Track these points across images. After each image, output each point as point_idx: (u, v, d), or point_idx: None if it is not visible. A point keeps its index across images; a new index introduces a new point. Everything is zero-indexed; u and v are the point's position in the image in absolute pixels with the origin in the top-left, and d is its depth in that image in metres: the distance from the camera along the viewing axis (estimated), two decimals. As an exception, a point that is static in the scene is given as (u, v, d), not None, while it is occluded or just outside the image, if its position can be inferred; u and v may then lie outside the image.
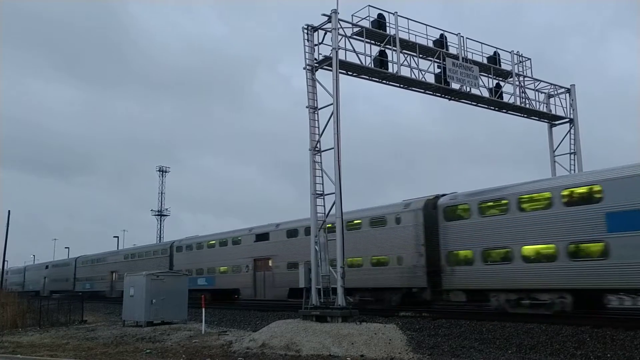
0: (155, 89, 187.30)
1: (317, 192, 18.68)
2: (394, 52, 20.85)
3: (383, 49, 20.64)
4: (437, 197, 22.98)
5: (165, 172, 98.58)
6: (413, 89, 22.29)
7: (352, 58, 19.82)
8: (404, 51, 21.26)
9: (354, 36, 20.05)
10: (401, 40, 20.95)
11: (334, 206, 18.21)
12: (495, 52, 24.02)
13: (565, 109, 26.28)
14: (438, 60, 21.95)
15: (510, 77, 24.50)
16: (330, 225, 18.88)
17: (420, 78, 21.63)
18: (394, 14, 20.82)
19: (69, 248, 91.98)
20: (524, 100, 24.95)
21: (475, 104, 24.04)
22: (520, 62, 25.04)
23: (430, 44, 21.90)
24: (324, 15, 19.09)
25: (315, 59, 19.30)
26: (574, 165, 25.59)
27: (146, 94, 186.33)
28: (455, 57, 22.30)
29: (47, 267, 71.42)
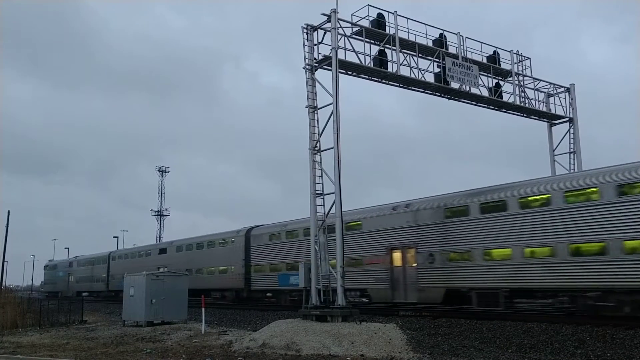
0: (122, 87, 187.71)
1: (317, 191, 18.68)
2: (393, 52, 20.85)
3: (383, 48, 20.64)
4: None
5: (165, 172, 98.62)
6: (413, 88, 22.29)
7: (351, 58, 19.85)
8: (403, 51, 21.26)
9: (354, 36, 20.06)
10: (401, 39, 20.95)
11: (334, 205, 18.22)
12: (494, 52, 24.04)
13: (564, 108, 26.31)
14: (438, 60, 21.95)
15: (510, 77, 24.51)
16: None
17: (419, 77, 21.64)
18: (393, 14, 20.84)
19: (68, 248, 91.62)
20: (523, 99, 24.97)
21: (475, 103, 24.05)
22: (520, 61, 25.06)
23: (430, 44, 21.92)
24: (323, 14, 19.11)
25: (315, 59, 19.31)
26: (574, 164, 25.60)
27: (113, 92, 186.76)
28: (455, 56, 22.30)
29: (163, 250, 44.51)
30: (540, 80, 25.68)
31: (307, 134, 18.93)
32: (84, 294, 52.06)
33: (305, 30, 19.37)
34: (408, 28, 21.20)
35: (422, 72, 21.72)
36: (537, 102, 25.66)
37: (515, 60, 24.71)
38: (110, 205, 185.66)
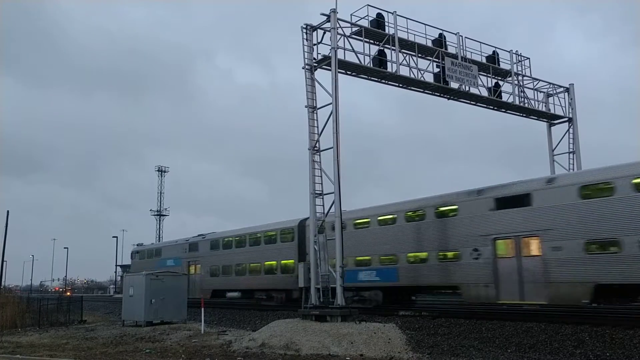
0: (92, 84, 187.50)
1: (317, 191, 18.67)
2: (393, 52, 20.84)
3: (382, 48, 20.64)
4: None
5: (164, 172, 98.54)
6: (412, 88, 22.30)
7: (351, 57, 19.84)
8: (403, 50, 21.26)
9: (353, 36, 20.06)
10: (400, 39, 20.94)
11: (333, 205, 18.21)
12: (494, 52, 24.05)
13: (564, 108, 26.31)
14: (437, 60, 21.95)
15: (509, 77, 24.51)
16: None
17: (419, 77, 21.64)
18: (392, 14, 20.84)
19: (67, 248, 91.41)
20: (523, 99, 24.97)
21: (474, 103, 24.05)
22: (519, 61, 25.05)
23: (429, 44, 21.91)
24: (322, 14, 19.11)
25: (314, 59, 19.30)
26: (573, 164, 25.61)
27: (84, 90, 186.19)
28: (454, 56, 22.30)
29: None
30: (540, 80, 25.69)
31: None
32: (230, 294, 32.71)
33: (304, 30, 19.36)
34: (407, 28, 21.22)
35: (422, 72, 21.73)
36: (536, 102, 25.67)
37: (514, 60, 24.72)
38: (96, 204, 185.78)
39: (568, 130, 26.23)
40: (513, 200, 19.79)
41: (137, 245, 49.83)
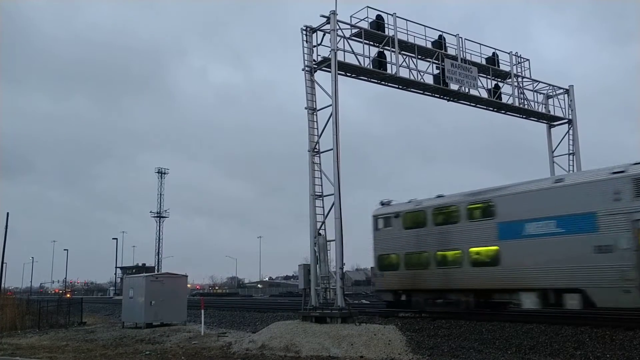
0: (67, 84, 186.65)
1: (316, 193, 18.66)
2: (392, 53, 20.86)
3: (382, 50, 20.65)
4: None
5: (164, 173, 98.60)
6: (412, 89, 22.32)
7: (350, 59, 19.86)
8: (402, 52, 21.28)
9: (353, 37, 20.08)
10: (400, 41, 20.96)
11: (333, 207, 18.20)
12: (493, 53, 24.10)
13: (563, 110, 26.34)
14: (437, 61, 21.98)
15: (509, 78, 24.53)
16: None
17: (419, 79, 21.67)
18: (392, 15, 20.86)
19: (67, 250, 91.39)
20: (522, 101, 25.00)
21: (474, 104, 24.08)
22: (519, 62, 25.09)
23: (429, 45, 21.95)
24: (322, 16, 19.12)
25: (314, 60, 19.31)
26: (573, 165, 25.62)
27: (58, 90, 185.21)
28: (454, 58, 22.33)
29: None
30: (539, 81, 25.72)
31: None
32: None
33: (304, 32, 19.38)
34: (407, 30, 21.26)
35: (422, 73, 21.76)
36: (536, 104, 25.70)
37: (514, 62, 24.75)
38: (89, 206, 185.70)
39: (568, 131, 26.25)
40: None
41: (383, 203, 24.88)
